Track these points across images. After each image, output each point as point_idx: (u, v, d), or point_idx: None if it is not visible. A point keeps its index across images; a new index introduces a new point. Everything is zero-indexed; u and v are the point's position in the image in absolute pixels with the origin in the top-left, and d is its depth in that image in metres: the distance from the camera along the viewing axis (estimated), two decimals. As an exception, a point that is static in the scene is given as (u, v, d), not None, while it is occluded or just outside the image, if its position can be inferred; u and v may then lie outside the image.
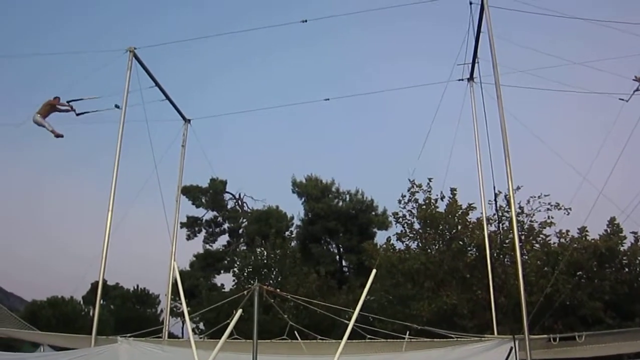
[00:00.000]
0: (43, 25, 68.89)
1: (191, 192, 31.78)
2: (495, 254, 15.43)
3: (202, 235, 33.70)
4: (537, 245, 17.22)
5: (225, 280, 30.41)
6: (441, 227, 17.83)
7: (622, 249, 16.45)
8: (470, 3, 12.03)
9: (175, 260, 15.11)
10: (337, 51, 63.85)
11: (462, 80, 14.01)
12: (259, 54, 63.61)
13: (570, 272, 15.87)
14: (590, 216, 15.10)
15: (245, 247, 30.27)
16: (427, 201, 18.31)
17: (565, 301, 14.99)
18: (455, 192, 18.16)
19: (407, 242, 18.75)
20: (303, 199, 29.76)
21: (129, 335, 11.59)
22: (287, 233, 28.94)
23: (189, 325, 10.41)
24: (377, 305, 18.22)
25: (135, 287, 38.21)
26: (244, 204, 34.51)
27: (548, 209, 17.26)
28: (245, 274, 24.61)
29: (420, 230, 18.43)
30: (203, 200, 33.18)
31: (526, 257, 16.14)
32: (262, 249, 25.48)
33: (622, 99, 12.42)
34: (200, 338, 17.86)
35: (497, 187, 11.46)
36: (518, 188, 16.05)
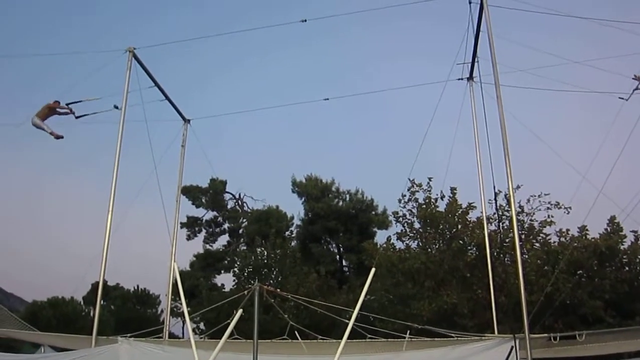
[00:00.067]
0: (43, 25, 68.87)
1: (191, 192, 31.79)
2: (495, 253, 15.43)
3: (202, 235, 33.78)
4: (537, 245, 17.23)
5: (226, 280, 30.48)
6: (441, 226, 17.84)
7: (622, 247, 16.46)
8: (470, 2, 12.00)
9: (176, 261, 15.11)
10: (336, 51, 63.92)
11: (462, 79, 13.99)
12: (259, 53, 63.59)
13: (571, 271, 15.88)
14: (590, 215, 15.17)
15: (245, 247, 30.28)
16: (427, 200, 18.31)
17: (565, 300, 14.99)
18: (455, 191, 18.18)
19: (407, 242, 18.79)
20: (303, 199, 29.79)
21: (129, 335, 11.58)
22: (287, 233, 28.97)
23: (189, 325, 10.43)
24: (377, 304, 18.24)
25: (136, 288, 38.26)
26: (244, 204, 34.56)
27: (548, 208, 17.28)
28: (245, 274, 24.61)
29: (421, 230, 18.44)
30: (203, 200, 33.20)
31: (526, 256, 16.15)
32: (262, 248, 25.48)
33: (622, 98, 12.43)
34: (201, 338, 17.87)
35: (497, 186, 11.49)
36: (518, 187, 16.04)
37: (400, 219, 18.82)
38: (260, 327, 8.36)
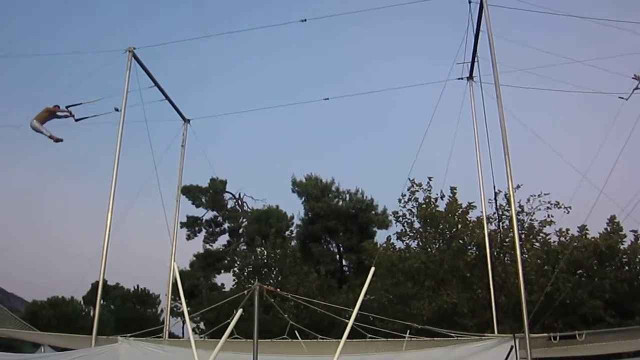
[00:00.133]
0: (43, 25, 68.89)
1: (191, 192, 31.80)
2: (495, 253, 15.42)
3: (202, 235, 33.80)
4: (537, 244, 17.22)
5: (226, 280, 30.51)
6: (441, 226, 17.84)
7: (622, 247, 16.46)
8: (470, 2, 11.98)
9: (175, 260, 15.10)
10: (336, 50, 63.98)
11: (462, 79, 13.99)
12: (259, 53, 63.55)
13: (571, 271, 15.87)
14: (590, 215, 15.14)
15: (245, 247, 30.30)
16: (427, 200, 18.31)
17: (565, 300, 14.98)
18: (455, 191, 18.18)
19: (407, 241, 18.79)
20: (303, 199, 29.77)
21: (129, 335, 11.59)
22: (287, 232, 28.99)
23: (189, 325, 10.44)
24: (377, 304, 18.25)
25: (136, 287, 38.24)
26: (244, 204, 34.57)
27: (548, 208, 17.27)
28: (245, 273, 24.63)
29: (421, 229, 18.44)
30: (203, 200, 33.20)
31: (526, 256, 16.15)
32: (262, 248, 25.50)
33: (622, 98, 12.42)
34: (201, 338, 17.84)
35: (497, 185, 11.47)
36: (518, 187, 16.04)
37: (400, 218, 18.83)
38: (260, 327, 8.37)
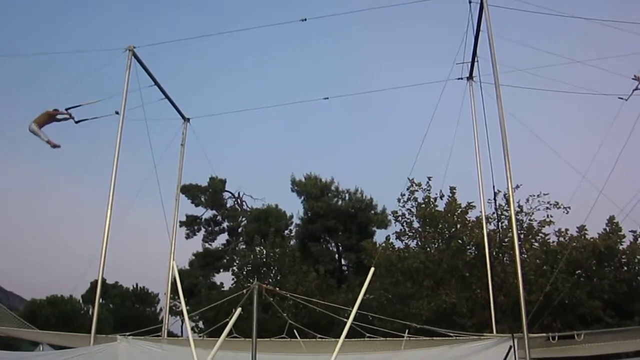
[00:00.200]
0: (43, 25, 68.71)
1: (190, 191, 31.81)
2: (494, 253, 15.44)
3: (201, 234, 33.82)
4: (536, 244, 17.23)
5: (225, 279, 30.50)
6: (440, 225, 17.84)
7: (621, 247, 16.44)
8: (470, 2, 11.97)
9: (175, 259, 15.08)
10: (336, 50, 63.86)
11: (462, 79, 13.99)
12: (259, 52, 63.57)
13: (570, 271, 15.87)
14: (589, 215, 15.12)
15: (244, 246, 30.31)
16: (426, 200, 18.31)
17: (564, 300, 14.98)
18: (454, 190, 18.17)
19: (407, 241, 18.78)
20: (302, 198, 29.76)
21: (128, 334, 11.61)
22: (286, 232, 29.01)
23: (188, 324, 10.46)
24: (376, 304, 18.24)
25: (135, 286, 38.27)
26: (243, 203, 34.57)
27: (547, 208, 17.28)
28: (244, 272, 24.62)
29: (420, 229, 18.43)
30: (202, 199, 33.21)
31: (525, 256, 16.13)
32: (262, 247, 25.49)
33: (622, 98, 12.40)
34: (200, 337, 17.85)
35: (497, 185, 11.44)
36: (517, 187, 16.05)
37: (400, 218, 18.83)
38: (259, 326, 8.39)
